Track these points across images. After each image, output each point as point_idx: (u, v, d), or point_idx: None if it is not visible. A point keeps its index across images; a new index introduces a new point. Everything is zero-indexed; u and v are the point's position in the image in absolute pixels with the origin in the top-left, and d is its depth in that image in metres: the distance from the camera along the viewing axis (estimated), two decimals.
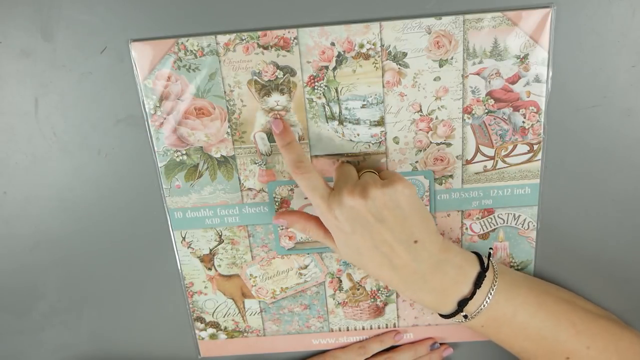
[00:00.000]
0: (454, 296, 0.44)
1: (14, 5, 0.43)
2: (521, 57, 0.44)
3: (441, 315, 0.46)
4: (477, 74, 0.44)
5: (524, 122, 0.46)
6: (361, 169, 0.47)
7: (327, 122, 0.46)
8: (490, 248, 0.50)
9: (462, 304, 0.43)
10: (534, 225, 0.49)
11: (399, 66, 0.44)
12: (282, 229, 0.50)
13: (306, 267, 0.52)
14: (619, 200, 0.48)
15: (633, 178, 0.47)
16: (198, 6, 0.43)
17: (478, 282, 0.43)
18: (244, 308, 0.54)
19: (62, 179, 0.49)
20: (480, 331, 0.46)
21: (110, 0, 0.43)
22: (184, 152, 0.48)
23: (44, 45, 0.44)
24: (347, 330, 0.55)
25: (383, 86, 0.45)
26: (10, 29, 0.44)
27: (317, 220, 0.46)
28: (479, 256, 0.45)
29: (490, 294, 0.43)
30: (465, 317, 0.44)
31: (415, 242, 0.42)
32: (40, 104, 0.46)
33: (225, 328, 0.55)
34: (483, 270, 0.44)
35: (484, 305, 0.43)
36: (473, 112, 0.46)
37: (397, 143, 0.47)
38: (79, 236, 0.51)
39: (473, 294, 0.43)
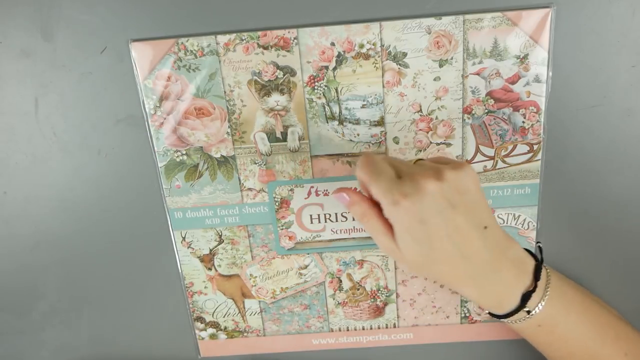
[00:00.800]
0: (519, 288, 0.42)
1: (14, 5, 0.43)
2: (521, 57, 0.44)
3: (497, 316, 0.44)
4: (477, 74, 0.44)
5: (524, 122, 0.46)
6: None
7: (327, 122, 0.46)
8: (539, 242, 0.48)
9: (526, 297, 0.42)
10: (534, 225, 0.49)
11: (399, 66, 0.44)
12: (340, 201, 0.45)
13: (306, 267, 0.52)
14: (619, 200, 0.48)
15: (633, 178, 0.47)
16: (198, 6, 0.43)
17: (537, 274, 0.42)
18: (244, 308, 0.54)
19: (62, 179, 0.49)
20: (533, 333, 0.45)
21: (110, 0, 0.43)
22: (184, 152, 0.48)
23: (44, 45, 0.44)
24: (347, 330, 0.55)
25: (383, 86, 0.45)
26: (10, 29, 0.44)
27: (379, 210, 0.41)
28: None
29: (548, 288, 0.42)
30: (529, 312, 0.43)
31: (485, 227, 0.40)
32: (40, 104, 0.46)
33: (225, 328, 0.55)
34: (538, 261, 0.43)
35: (544, 300, 0.42)
36: (473, 112, 0.46)
37: (397, 143, 0.47)
38: (79, 236, 0.51)
39: (535, 286, 0.42)
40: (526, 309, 0.42)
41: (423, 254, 0.40)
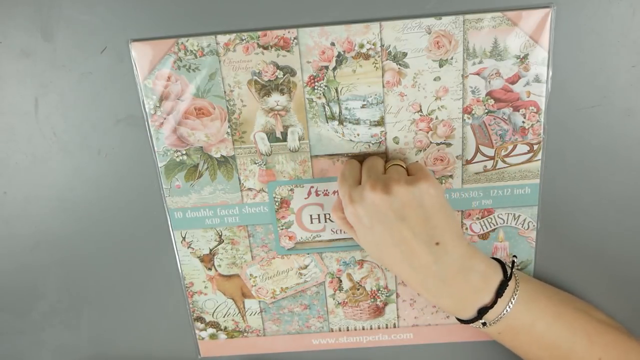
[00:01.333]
0: (475, 304, 0.43)
1: (14, 5, 0.43)
2: (521, 57, 0.44)
3: (459, 320, 0.45)
4: (477, 74, 0.44)
5: (524, 122, 0.46)
6: (390, 159, 0.46)
7: (327, 122, 0.46)
8: (514, 256, 0.49)
9: (482, 311, 0.43)
10: (534, 225, 0.49)
11: (399, 66, 0.44)
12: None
13: (306, 267, 0.52)
14: (619, 200, 0.48)
15: (633, 178, 0.47)
16: (198, 6, 0.43)
17: (500, 291, 0.43)
18: (244, 308, 0.54)
19: (62, 179, 0.49)
20: (496, 337, 0.45)
21: (110, 0, 0.43)
22: (184, 152, 0.48)
23: (44, 45, 0.44)
24: (347, 330, 0.55)
25: (383, 86, 0.45)
26: (10, 29, 0.44)
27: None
28: (501, 263, 0.45)
29: (511, 303, 0.43)
30: (484, 324, 0.43)
31: (437, 244, 0.41)
32: (40, 104, 0.46)
33: (225, 328, 0.55)
34: (506, 279, 0.43)
35: (503, 314, 0.43)
36: (473, 112, 0.46)
37: (397, 143, 0.47)
38: (79, 236, 0.51)
39: (494, 302, 0.42)
40: (482, 321, 0.43)
41: (375, 254, 0.43)
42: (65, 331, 0.55)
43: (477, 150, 0.47)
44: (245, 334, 0.55)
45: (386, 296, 0.53)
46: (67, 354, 0.56)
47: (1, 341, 0.56)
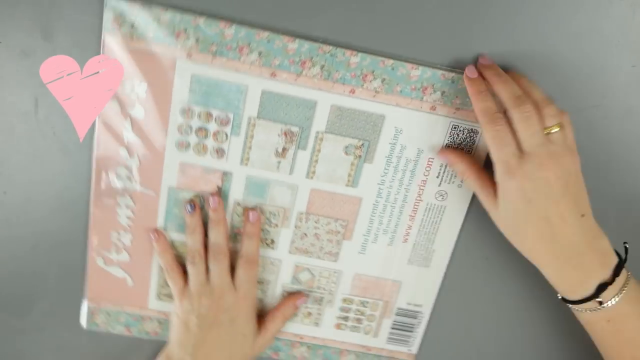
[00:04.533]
0: (596, 278, 0.43)
1: (14, 5, 0.43)
2: None
3: (569, 301, 0.45)
4: None
5: None
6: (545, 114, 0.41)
7: None
8: (626, 243, 0.47)
9: (601, 288, 0.43)
10: None
11: None
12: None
13: None
14: (619, 200, 0.48)
15: (633, 178, 0.48)
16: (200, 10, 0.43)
17: (617, 271, 0.43)
18: None
19: (62, 179, 0.49)
20: (602, 328, 0.45)
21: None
22: None
23: (44, 45, 0.44)
24: None
25: None
26: (10, 29, 0.44)
27: (480, 171, 0.44)
28: None
29: (625, 287, 0.43)
30: (601, 303, 0.43)
31: (583, 215, 0.42)
32: (40, 104, 0.46)
33: None
34: (621, 260, 0.44)
35: (618, 296, 0.43)
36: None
37: None
38: (78, 236, 0.51)
39: (612, 281, 0.43)
40: (599, 299, 0.43)
41: (516, 225, 0.43)
42: (65, 331, 0.55)
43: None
44: None
45: None
46: (67, 354, 0.56)
47: (1, 341, 0.56)
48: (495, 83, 0.41)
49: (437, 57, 0.44)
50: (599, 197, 0.48)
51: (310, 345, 0.54)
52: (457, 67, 0.44)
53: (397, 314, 0.53)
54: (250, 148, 0.46)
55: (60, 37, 0.44)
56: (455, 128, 0.46)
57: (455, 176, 0.48)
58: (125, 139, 0.46)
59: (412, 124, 0.46)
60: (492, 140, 0.41)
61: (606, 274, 0.43)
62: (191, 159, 0.47)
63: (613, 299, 0.43)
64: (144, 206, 0.48)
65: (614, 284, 0.42)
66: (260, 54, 0.43)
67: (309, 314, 0.53)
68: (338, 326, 0.53)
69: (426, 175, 0.47)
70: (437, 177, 0.48)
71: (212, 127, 0.45)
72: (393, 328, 0.54)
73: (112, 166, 0.47)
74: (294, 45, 0.43)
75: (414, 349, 0.55)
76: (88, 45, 0.44)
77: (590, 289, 0.43)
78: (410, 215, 0.49)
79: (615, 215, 0.49)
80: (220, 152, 0.46)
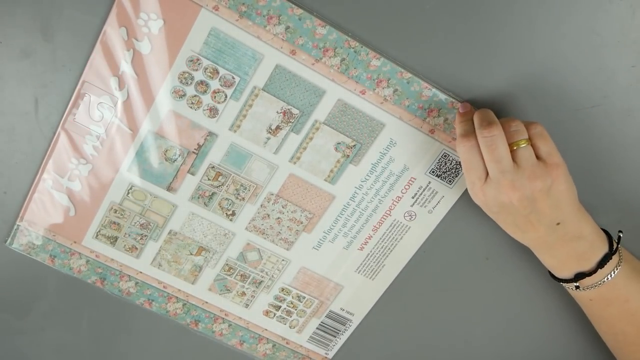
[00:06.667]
0: (575, 268, 0.44)
1: (14, 5, 0.43)
2: None
3: (552, 277, 0.47)
4: None
5: None
6: (511, 131, 0.41)
7: None
8: (620, 231, 0.48)
9: (579, 276, 0.44)
10: None
11: None
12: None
13: None
14: (619, 200, 0.48)
15: (633, 178, 0.47)
16: None
17: (602, 263, 0.44)
18: None
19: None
20: (585, 304, 0.47)
21: (110, 1, 0.43)
22: None
23: (44, 45, 0.44)
24: None
25: None
26: (10, 29, 0.44)
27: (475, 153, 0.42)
28: (609, 236, 0.45)
29: (610, 276, 0.44)
30: (577, 287, 0.45)
31: (558, 224, 0.43)
32: (40, 104, 0.46)
33: None
34: (610, 252, 0.44)
35: (599, 283, 0.44)
36: None
37: None
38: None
39: (594, 272, 0.44)
40: (576, 284, 0.45)
41: (492, 215, 0.44)
42: (65, 331, 0.55)
43: None
44: None
45: None
46: (67, 354, 0.56)
47: (1, 341, 0.56)
48: (475, 111, 0.43)
49: (452, 84, 0.44)
50: (599, 197, 0.48)
51: (232, 324, 0.54)
52: (467, 99, 0.45)
53: (327, 317, 0.53)
54: (245, 116, 0.46)
55: (60, 37, 0.44)
56: (445, 156, 0.47)
57: (430, 202, 0.48)
58: (121, 69, 0.44)
59: (408, 140, 0.46)
60: (462, 162, 0.42)
61: (585, 267, 0.44)
62: (182, 110, 0.46)
63: (592, 286, 0.44)
64: (116, 142, 0.46)
65: (595, 274, 0.44)
66: (287, 28, 0.43)
67: (243, 293, 0.53)
68: (267, 313, 0.53)
69: (403, 193, 0.48)
70: (413, 197, 0.48)
71: (214, 84, 0.45)
72: (318, 329, 0.54)
73: (97, 92, 0.45)
74: (323, 30, 0.43)
75: (331, 353, 0.55)
76: (88, 45, 0.44)
77: (567, 275, 0.45)
78: (375, 227, 0.49)
79: (616, 215, 0.49)
80: (213, 111, 0.46)
